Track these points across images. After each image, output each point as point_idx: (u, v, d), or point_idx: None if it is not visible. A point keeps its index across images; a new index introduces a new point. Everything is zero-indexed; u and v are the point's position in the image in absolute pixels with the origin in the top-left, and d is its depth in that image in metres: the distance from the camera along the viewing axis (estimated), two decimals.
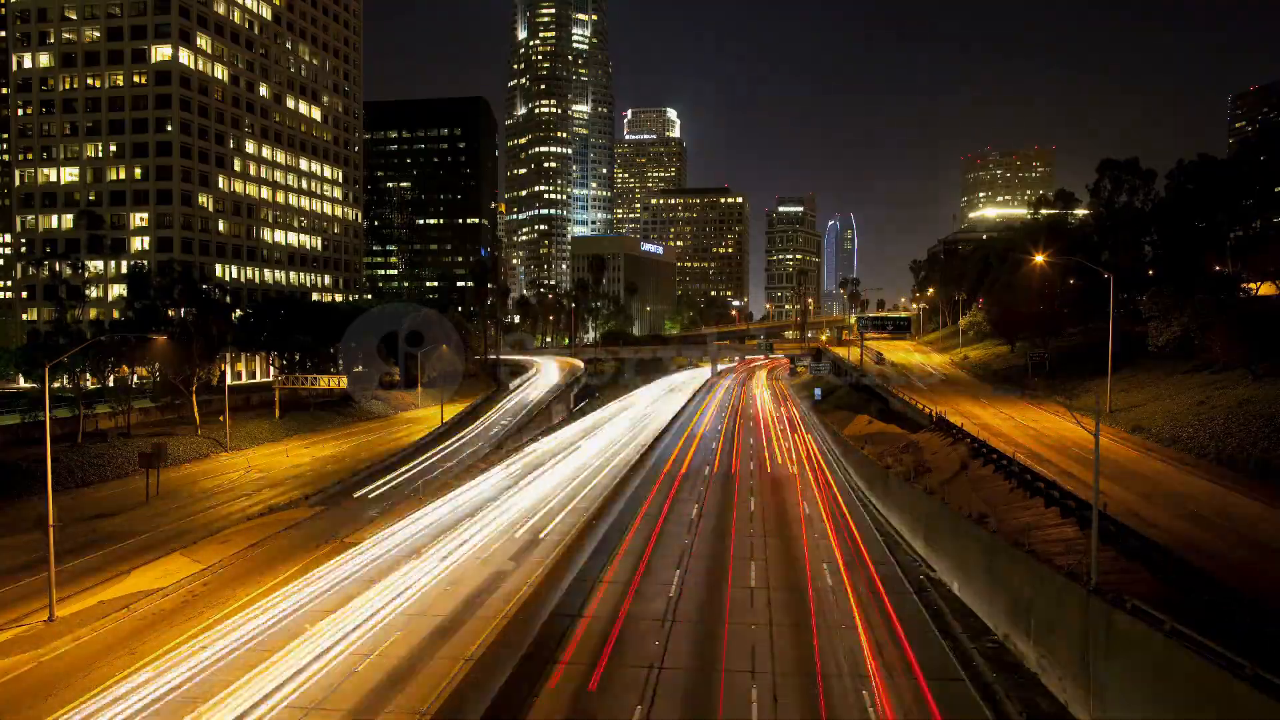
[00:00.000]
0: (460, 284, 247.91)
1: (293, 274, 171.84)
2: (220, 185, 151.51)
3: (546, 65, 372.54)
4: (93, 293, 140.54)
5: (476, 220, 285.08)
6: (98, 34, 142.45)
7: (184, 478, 67.81)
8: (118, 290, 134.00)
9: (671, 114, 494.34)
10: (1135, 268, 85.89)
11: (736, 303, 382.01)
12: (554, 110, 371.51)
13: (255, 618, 34.49)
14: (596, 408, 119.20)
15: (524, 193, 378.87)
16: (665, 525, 49.21)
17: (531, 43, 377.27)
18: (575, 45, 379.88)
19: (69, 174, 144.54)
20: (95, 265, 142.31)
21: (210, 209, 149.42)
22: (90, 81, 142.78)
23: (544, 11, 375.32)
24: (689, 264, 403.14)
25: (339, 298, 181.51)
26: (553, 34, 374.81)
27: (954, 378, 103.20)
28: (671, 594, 36.69)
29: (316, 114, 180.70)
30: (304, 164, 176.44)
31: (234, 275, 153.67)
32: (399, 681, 28.24)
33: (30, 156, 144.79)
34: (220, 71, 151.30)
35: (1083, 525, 34.52)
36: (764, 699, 26.65)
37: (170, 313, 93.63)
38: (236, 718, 25.98)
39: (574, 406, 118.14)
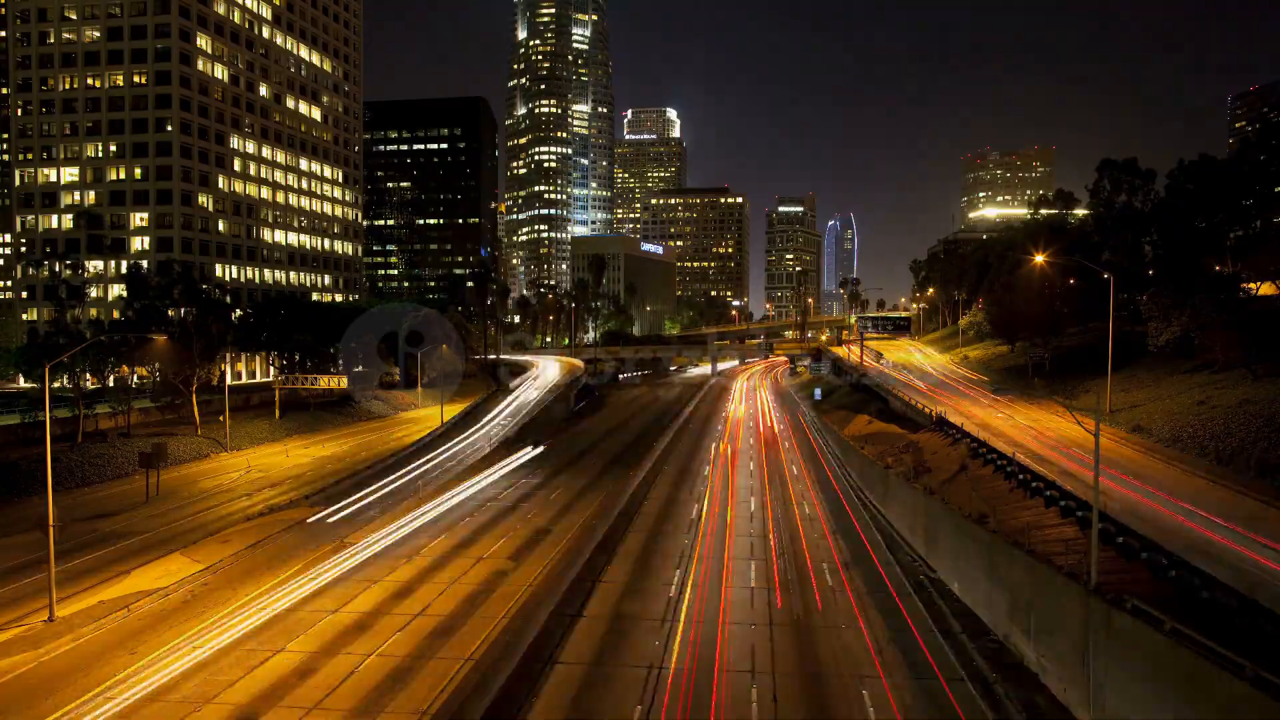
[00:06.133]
0: (460, 284, 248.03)
1: (293, 274, 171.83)
2: (220, 185, 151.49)
3: (547, 65, 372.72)
4: (93, 293, 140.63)
5: (476, 220, 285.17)
6: (98, 34, 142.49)
7: (184, 478, 67.80)
8: (118, 290, 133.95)
9: (671, 114, 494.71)
10: (1135, 268, 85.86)
11: (736, 303, 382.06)
12: (554, 110, 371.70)
13: (255, 617, 34.49)
14: (596, 408, 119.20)
15: (524, 193, 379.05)
16: (665, 525, 49.21)
17: (532, 43, 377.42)
18: (575, 46, 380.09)
19: (69, 174, 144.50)
20: (95, 265, 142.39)
21: (210, 209, 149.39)
22: (90, 81, 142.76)
23: (544, 12, 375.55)
24: (689, 264, 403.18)
25: (339, 298, 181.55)
26: (553, 34, 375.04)
27: (954, 377, 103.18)
28: (672, 594, 36.70)
29: (316, 114, 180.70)
30: (304, 164, 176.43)
31: (234, 275, 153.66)
32: (400, 680, 28.23)
33: (30, 156, 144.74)
34: (220, 71, 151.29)
35: (1083, 525, 34.53)
36: (764, 699, 26.65)
37: (170, 313, 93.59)
38: (236, 717, 25.99)
39: (574, 406, 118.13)
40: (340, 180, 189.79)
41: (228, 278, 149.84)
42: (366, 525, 50.34)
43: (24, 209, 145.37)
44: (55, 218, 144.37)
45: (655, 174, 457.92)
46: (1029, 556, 29.33)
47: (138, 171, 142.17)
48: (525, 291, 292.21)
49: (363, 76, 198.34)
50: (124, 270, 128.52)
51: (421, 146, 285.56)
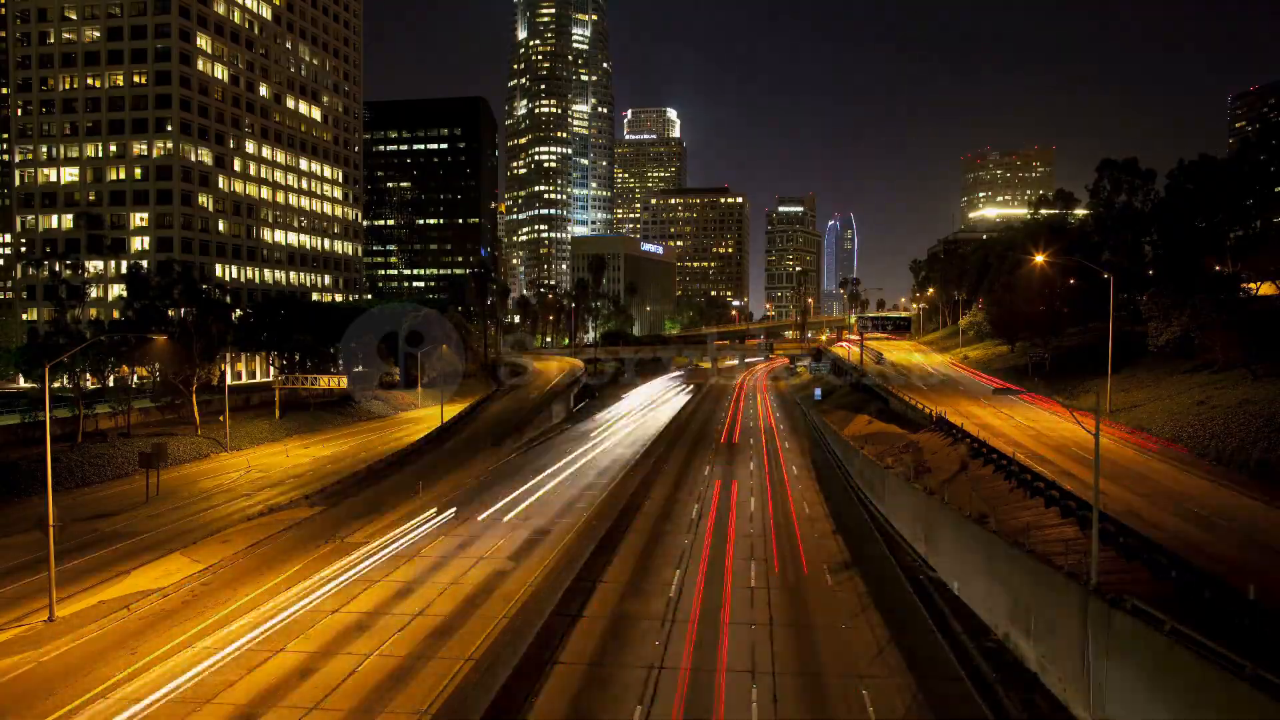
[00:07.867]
0: (460, 284, 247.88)
1: (293, 274, 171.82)
2: (220, 185, 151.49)
3: (547, 65, 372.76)
4: (93, 293, 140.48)
5: (476, 220, 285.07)
6: (98, 34, 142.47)
7: (184, 478, 67.78)
8: (118, 290, 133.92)
9: (671, 114, 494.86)
10: (1135, 268, 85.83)
11: (736, 303, 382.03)
12: (554, 110, 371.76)
13: (255, 618, 34.48)
14: (596, 409, 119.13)
15: (524, 193, 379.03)
16: (665, 525, 49.21)
17: (532, 43, 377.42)
18: (575, 45, 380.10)
19: (69, 174, 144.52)
20: (95, 265, 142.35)
21: (210, 209, 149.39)
22: (90, 81, 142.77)
23: (544, 12, 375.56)
24: (689, 264, 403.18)
25: (339, 298, 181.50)
26: (553, 34, 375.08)
27: (954, 377, 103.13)
28: (672, 594, 36.69)
29: (316, 114, 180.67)
30: (304, 164, 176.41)
31: (234, 275, 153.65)
32: (400, 680, 28.22)
33: (30, 156, 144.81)
34: (220, 71, 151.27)
35: (1083, 525, 34.51)
36: (764, 699, 26.63)
37: (170, 313, 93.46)
38: (236, 717, 25.97)
39: (574, 406, 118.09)
40: (340, 180, 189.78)
41: (228, 278, 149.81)
42: (366, 525, 50.33)
43: (24, 209, 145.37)
44: (55, 218, 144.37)
45: (655, 174, 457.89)
46: (1029, 556, 29.32)
47: (138, 171, 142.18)
48: (525, 291, 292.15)
49: (363, 76, 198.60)
50: (124, 270, 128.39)
51: (421, 146, 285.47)
